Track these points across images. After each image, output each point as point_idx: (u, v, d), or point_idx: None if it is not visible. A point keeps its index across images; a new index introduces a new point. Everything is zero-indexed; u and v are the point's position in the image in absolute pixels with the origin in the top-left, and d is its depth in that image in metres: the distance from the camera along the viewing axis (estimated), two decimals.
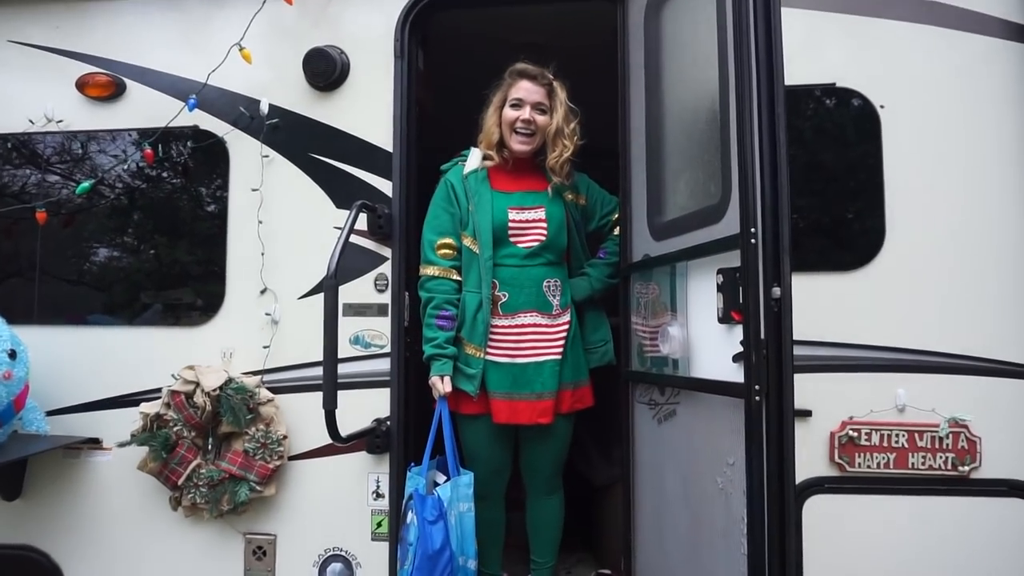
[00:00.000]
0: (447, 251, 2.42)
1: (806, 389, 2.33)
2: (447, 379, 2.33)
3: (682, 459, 2.05)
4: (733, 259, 1.74)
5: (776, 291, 1.66)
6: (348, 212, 2.36)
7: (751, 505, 1.66)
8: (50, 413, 2.70)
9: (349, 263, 2.48)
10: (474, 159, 2.50)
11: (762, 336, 1.65)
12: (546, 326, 2.42)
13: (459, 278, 2.42)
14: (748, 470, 1.67)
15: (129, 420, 2.58)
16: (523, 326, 2.40)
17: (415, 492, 2.25)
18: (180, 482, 2.51)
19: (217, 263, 2.66)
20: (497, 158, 2.48)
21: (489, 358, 2.39)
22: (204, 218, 2.76)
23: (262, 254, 2.58)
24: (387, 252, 2.55)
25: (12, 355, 2.47)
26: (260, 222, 2.58)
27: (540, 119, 2.43)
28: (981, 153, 2.33)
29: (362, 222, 2.49)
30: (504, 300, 2.40)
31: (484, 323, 2.37)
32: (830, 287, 2.35)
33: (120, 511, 2.65)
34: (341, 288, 2.28)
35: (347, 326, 2.46)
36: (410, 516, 2.23)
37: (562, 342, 2.43)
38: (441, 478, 2.39)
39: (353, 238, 2.43)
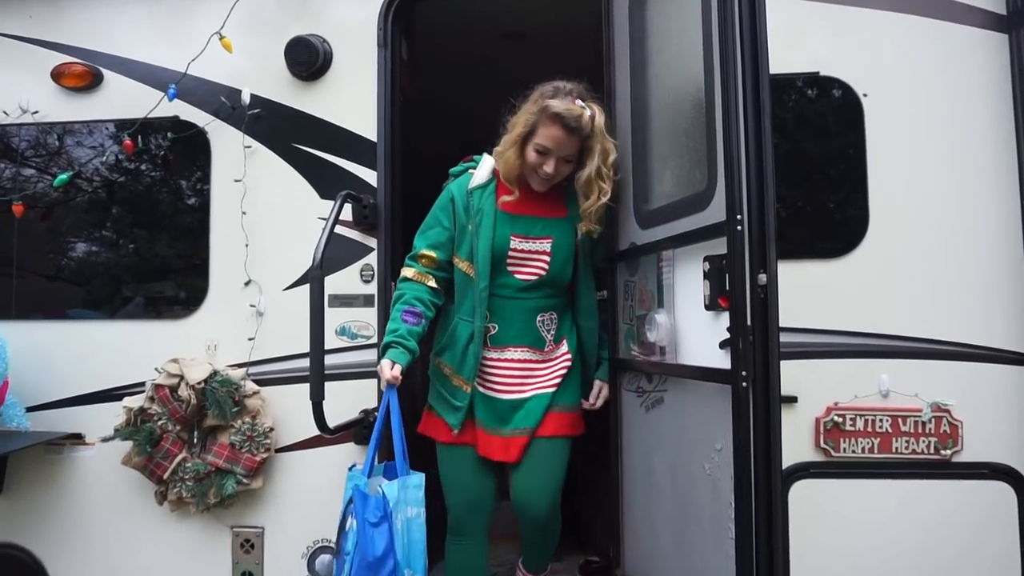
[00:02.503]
0: (428, 262, 2.21)
1: (791, 375, 2.33)
2: (397, 367, 2.06)
3: (670, 446, 2.06)
4: (719, 246, 1.74)
5: (762, 278, 1.67)
6: (333, 202, 2.34)
7: (738, 490, 1.67)
8: (31, 409, 2.66)
9: (334, 254, 2.46)
10: (484, 171, 2.23)
11: (748, 322, 1.66)
12: (537, 362, 2.22)
13: (435, 286, 2.21)
14: (735, 455, 1.68)
15: (112, 415, 2.55)
16: (511, 361, 2.21)
17: (356, 490, 1.97)
18: (166, 476, 2.49)
19: (200, 255, 2.63)
20: (515, 188, 2.20)
21: (479, 391, 2.21)
22: (186, 210, 2.73)
23: (246, 245, 2.56)
24: (372, 242, 2.53)
25: None
26: (243, 213, 2.56)
27: (565, 169, 2.16)
28: (965, 141, 2.35)
29: (347, 213, 2.48)
30: (493, 332, 2.19)
31: (475, 356, 2.17)
32: (814, 274, 2.37)
33: (105, 507, 2.62)
34: (327, 279, 2.26)
35: (333, 317, 2.44)
36: (349, 522, 1.97)
37: (558, 378, 2.24)
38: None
39: (338, 229, 2.41)
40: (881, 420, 2.33)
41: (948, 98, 2.36)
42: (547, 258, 2.19)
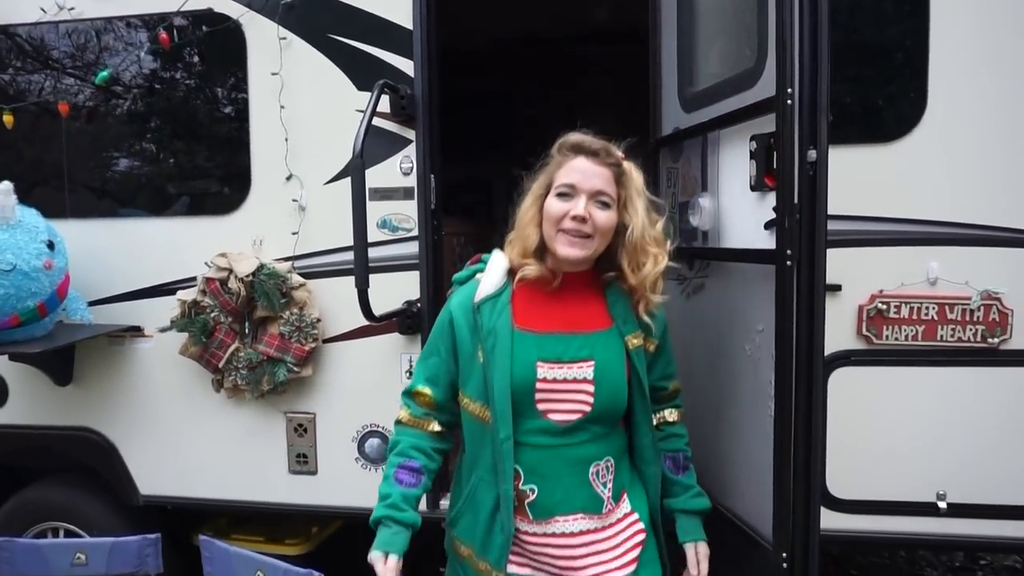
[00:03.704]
0: (426, 401, 1.71)
1: (836, 263, 2.30)
2: (393, 559, 1.57)
3: (711, 329, 2.07)
4: (767, 124, 1.69)
5: (812, 154, 1.62)
6: (370, 94, 2.31)
7: (779, 370, 1.69)
8: (92, 303, 2.79)
9: (373, 147, 2.45)
10: (495, 274, 1.66)
11: (796, 200, 1.62)
12: (597, 532, 1.63)
13: (439, 429, 1.71)
14: (777, 336, 1.68)
15: (167, 308, 2.65)
16: (563, 537, 1.61)
17: None
18: (221, 365, 2.60)
19: (241, 152, 2.65)
20: (536, 271, 1.62)
21: (518, 572, 1.64)
22: (225, 107, 2.74)
23: (286, 140, 2.56)
24: (411, 134, 2.51)
25: (50, 246, 2.53)
26: (282, 107, 2.55)
27: (601, 217, 1.57)
28: None
29: (384, 105, 2.45)
30: (532, 499, 1.60)
31: (505, 533, 1.58)
32: (864, 160, 2.28)
33: (167, 394, 2.77)
34: (366, 173, 2.26)
35: (374, 210, 2.45)
36: None
37: (634, 552, 1.66)
38: None
39: (376, 121, 2.39)
40: (927, 308, 2.29)
41: None
42: (590, 387, 1.60)
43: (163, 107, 2.78)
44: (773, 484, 1.70)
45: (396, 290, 2.54)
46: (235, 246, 2.63)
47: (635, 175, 1.63)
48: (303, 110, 2.57)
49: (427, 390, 1.70)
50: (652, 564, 1.68)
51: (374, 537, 1.61)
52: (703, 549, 1.74)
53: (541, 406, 1.59)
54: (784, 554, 1.67)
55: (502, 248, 1.70)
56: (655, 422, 1.75)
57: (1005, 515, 2.28)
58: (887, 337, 2.32)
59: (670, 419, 1.81)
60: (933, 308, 2.29)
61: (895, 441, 2.35)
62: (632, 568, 1.64)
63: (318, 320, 2.57)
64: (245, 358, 2.58)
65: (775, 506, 1.71)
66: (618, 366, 1.63)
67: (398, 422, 1.74)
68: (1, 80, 2.85)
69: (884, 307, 2.30)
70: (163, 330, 2.63)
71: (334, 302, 2.59)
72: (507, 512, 1.58)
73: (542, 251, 1.63)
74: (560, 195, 1.58)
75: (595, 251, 1.60)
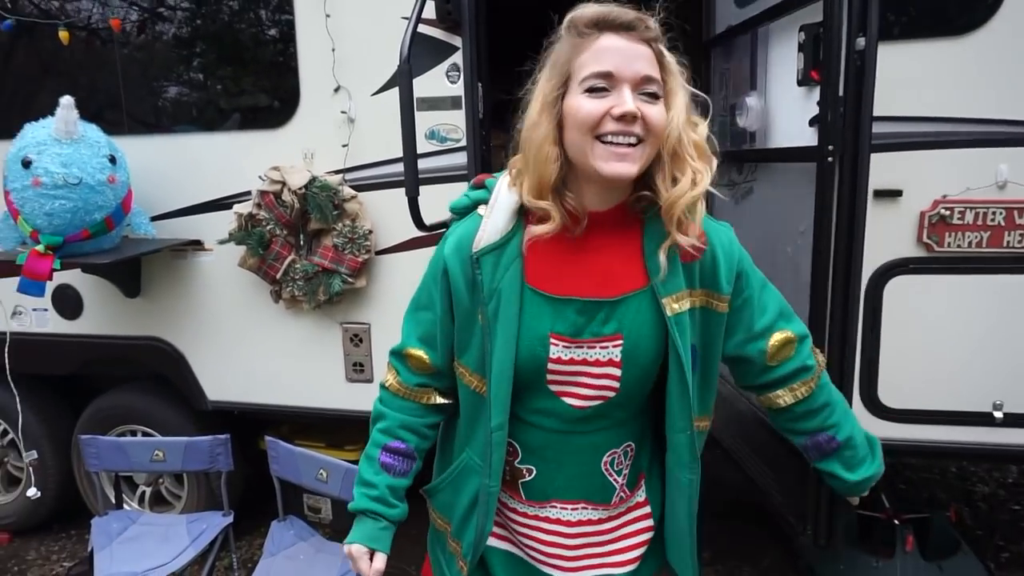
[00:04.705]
0: (418, 365, 1.36)
1: (897, 168, 2.23)
2: (380, 556, 1.35)
3: (757, 234, 2.04)
4: (816, 14, 1.61)
5: (860, 42, 1.54)
6: None
7: (816, 271, 1.65)
8: (153, 219, 2.89)
9: (419, 55, 2.42)
10: (500, 216, 1.22)
11: (841, 93, 1.56)
12: (598, 523, 1.34)
13: (439, 400, 1.38)
14: (816, 235, 1.64)
15: (225, 221, 2.73)
16: (556, 524, 1.33)
17: None
18: (278, 276, 2.69)
19: (289, 63, 2.66)
20: (556, 225, 1.18)
21: (497, 545, 1.39)
22: (271, 17, 2.72)
23: (332, 50, 2.55)
24: (457, 41, 2.46)
25: (112, 160, 2.61)
26: (327, 16, 2.53)
27: (653, 113, 1.13)
28: None
29: (430, 10, 2.40)
30: (528, 479, 1.33)
31: (478, 530, 1.33)
32: (928, 56, 2.16)
33: (229, 304, 2.89)
34: (413, 83, 2.24)
35: (421, 121, 2.44)
36: None
37: (638, 548, 1.37)
38: None
39: (421, 28, 2.35)
40: (994, 213, 2.20)
41: None
42: (616, 371, 1.23)
43: (211, 23, 2.79)
44: None
45: (445, 201, 2.52)
46: (288, 159, 2.67)
47: (668, 58, 1.16)
48: (349, 18, 2.54)
49: (421, 352, 1.33)
50: (654, 556, 1.38)
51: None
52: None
53: (555, 387, 1.24)
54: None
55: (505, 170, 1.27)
56: (774, 404, 1.34)
57: None
58: (949, 244, 2.25)
59: (786, 401, 1.33)
60: (1000, 213, 2.20)
61: (951, 350, 2.31)
62: (634, 567, 1.35)
63: (370, 232, 2.61)
64: (301, 270, 2.66)
65: None
66: (655, 340, 1.21)
67: (384, 386, 1.40)
68: (56, 1, 2.90)
69: (947, 213, 2.22)
70: (222, 242, 2.72)
71: (385, 214, 2.63)
72: (487, 511, 1.29)
73: (564, 185, 1.18)
74: (591, 90, 1.12)
75: (644, 164, 1.15)
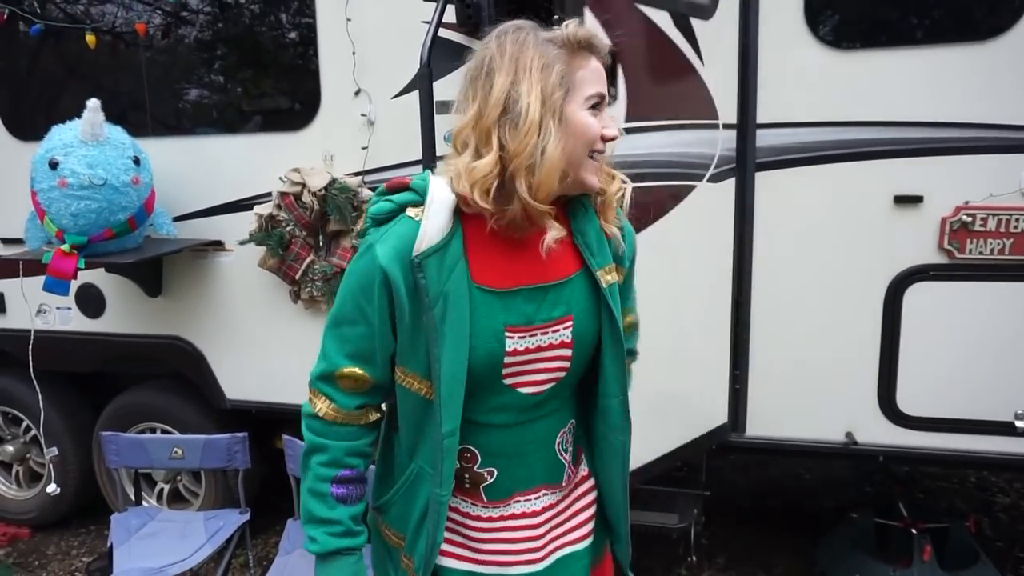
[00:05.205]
0: (353, 385, 1.26)
1: (917, 173, 2.22)
2: None
3: None
4: None
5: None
6: (435, 3, 2.28)
7: None
8: (175, 219, 2.93)
9: (440, 59, 2.42)
10: (439, 216, 1.18)
11: None
12: (559, 502, 1.37)
13: (378, 416, 1.33)
14: None
15: (246, 222, 2.76)
16: (522, 517, 1.32)
17: None
18: (297, 277, 2.72)
19: (310, 66, 2.69)
20: (519, 227, 1.20)
21: (456, 566, 1.33)
22: (293, 21, 2.76)
23: (353, 54, 2.58)
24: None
25: (136, 162, 2.65)
26: (349, 20, 2.55)
27: None
28: None
29: (451, 14, 2.42)
30: (490, 482, 1.31)
31: (430, 543, 1.27)
32: (951, 61, 2.15)
33: (248, 304, 2.92)
34: (434, 86, 2.26)
35: (441, 124, 2.46)
36: None
37: (590, 521, 1.40)
38: None
39: (442, 32, 2.36)
40: (1017, 220, 2.19)
41: None
42: (567, 351, 1.27)
43: (233, 21, 2.82)
44: None
45: None
46: (308, 161, 2.69)
47: None
48: (370, 22, 2.56)
49: (356, 370, 1.25)
50: (600, 524, 1.42)
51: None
52: None
53: (510, 380, 1.25)
54: None
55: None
56: None
57: None
58: (970, 251, 2.23)
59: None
60: None
61: (972, 358, 2.30)
62: (591, 539, 1.39)
63: None
64: (320, 270, 2.69)
65: None
66: (593, 315, 1.28)
67: (314, 416, 1.27)
68: (82, 5, 2.95)
69: (969, 219, 2.21)
70: (242, 243, 2.75)
71: None
72: (437, 521, 1.26)
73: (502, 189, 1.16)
74: (592, 108, 1.18)
75: None
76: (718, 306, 2.45)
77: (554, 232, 1.19)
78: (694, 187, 2.28)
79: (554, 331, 1.25)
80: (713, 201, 2.34)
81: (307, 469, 1.28)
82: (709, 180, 2.30)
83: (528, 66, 1.13)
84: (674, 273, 2.23)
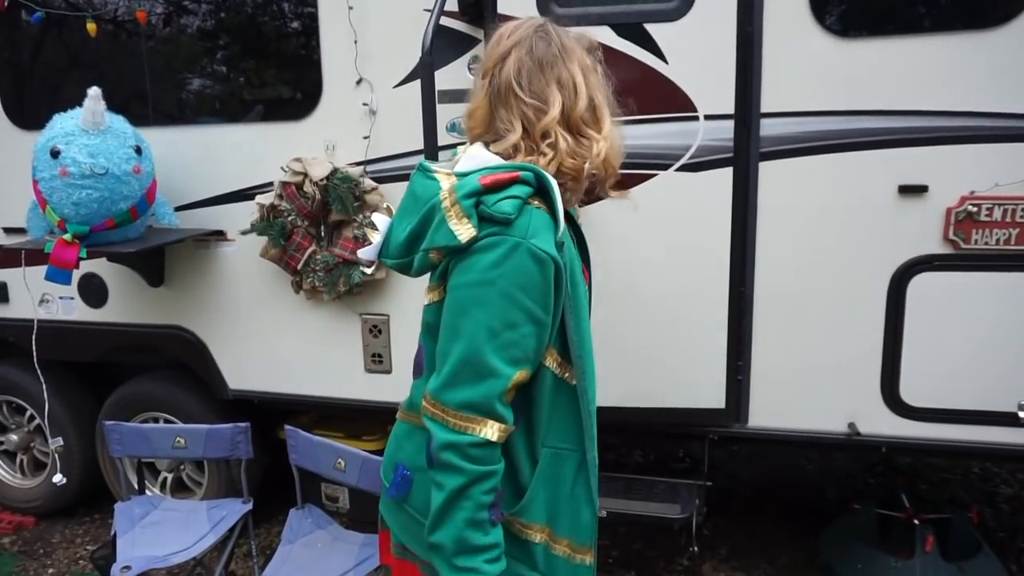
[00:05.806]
0: (514, 392, 1.24)
1: (922, 163, 2.20)
2: None
3: None
4: None
5: None
6: None
7: None
8: (177, 209, 2.92)
9: (441, 47, 2.41)
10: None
11: None
12: None
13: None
14: None
15: (247, 212, 2.76)
16: None
17: None
18: (299, 267, 2.71)
19: (312, 55, 2.67)
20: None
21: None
22: (295, 7, 2.74)
23: (355, 42, 2.56)
24: (479, 33, 2.46)
25: (138, 151, 2.64)
26: (350, 8, 2.54)
27: None
28: None
29: (452, 3, 2.40)
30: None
31: (593, 508, 1.36)
32: (959, 48, 2.13)
33: (250, 295, 2.91)
34: (436, 75, 2.24)
35: (442, 114, 2.43)
36: None
37: None
38: None
39: (443, 20, 2.35)
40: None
41: None
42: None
43: (235, 10, 2.81)
44: None
45: None
46: (309, 151, 2.68)
47: None
48: (371, 11, 2.55)
49: (524, 374, 1.23)
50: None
51: None
52: None
53: None
54: None
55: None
56: None
57: None
58: (976, 241, 2.21)
59: None
60: None
61: (976, 349, 2.28)
62: None
63: None
64: (322, 261, 2.68)
65: None
66: None
67: (482, 444, 1.20)
68: None
69: (975, 209, 2.19)
70: (244, 233, 2.74)
71: None
72: (595, 482, 1.34)
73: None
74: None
75: None
76: (713, 293, 2.41)
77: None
78: (654, 175, 2.32)
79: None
80: (687, 189, 2.33)
81: (466, 500, 1.19)
82: (679, 169, 2.30)
83: (586, 64, 1.33)
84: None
